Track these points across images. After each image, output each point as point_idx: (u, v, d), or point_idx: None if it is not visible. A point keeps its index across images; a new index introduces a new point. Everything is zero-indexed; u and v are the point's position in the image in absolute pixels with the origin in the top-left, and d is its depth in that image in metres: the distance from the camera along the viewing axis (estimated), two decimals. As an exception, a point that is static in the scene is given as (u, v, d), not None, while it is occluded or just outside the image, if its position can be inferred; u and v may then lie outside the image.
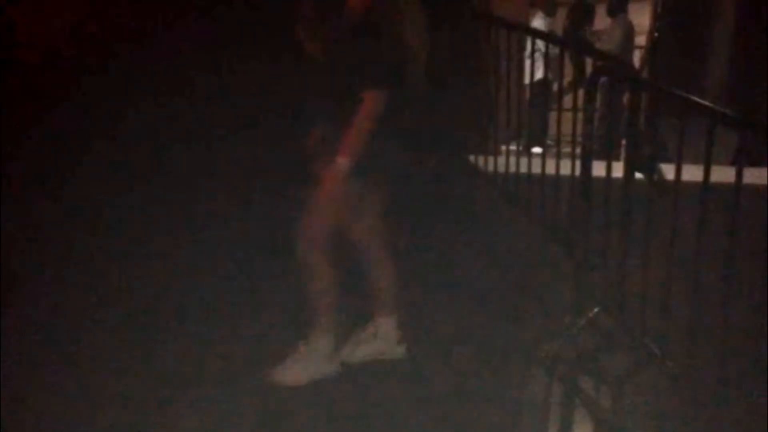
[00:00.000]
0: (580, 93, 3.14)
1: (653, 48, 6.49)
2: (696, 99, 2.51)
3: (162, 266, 3.54)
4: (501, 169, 4.02)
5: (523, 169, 3.79)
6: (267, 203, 3.64)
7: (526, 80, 5.80)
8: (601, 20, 7.58)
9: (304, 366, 2.83)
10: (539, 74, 5.59)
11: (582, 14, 9.01)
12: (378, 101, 2.59)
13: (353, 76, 2.62)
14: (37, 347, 2.88)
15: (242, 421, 2.55)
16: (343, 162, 2.60)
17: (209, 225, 3.83)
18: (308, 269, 2.76)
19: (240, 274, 3.52)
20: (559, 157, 3.55)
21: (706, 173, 2.37)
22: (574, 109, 3.33)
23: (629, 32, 6.88)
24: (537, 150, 4.66)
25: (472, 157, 4.31)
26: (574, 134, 3.24)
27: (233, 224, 3.81)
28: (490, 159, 4.13)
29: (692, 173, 2.49)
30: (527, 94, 6.00)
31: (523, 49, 4.41)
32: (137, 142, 4.12)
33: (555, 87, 5.53)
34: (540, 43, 4.33)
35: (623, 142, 3.64)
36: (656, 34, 6.86)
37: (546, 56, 4.21)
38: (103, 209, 3.88)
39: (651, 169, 3.00)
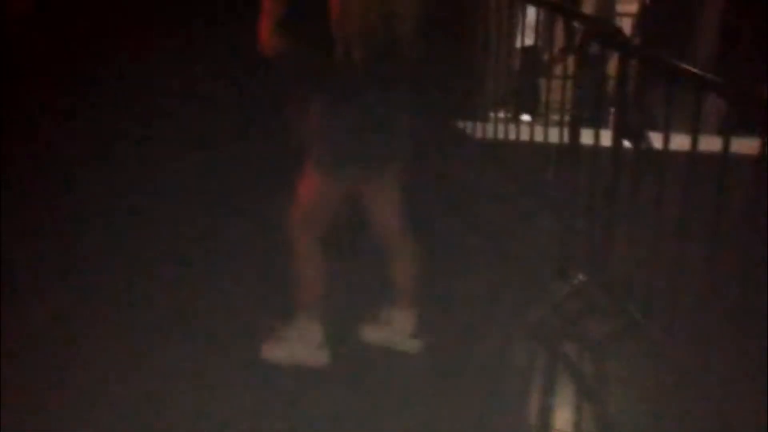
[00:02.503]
0: (570, 60, 3.13)
1: (643, 14, 6.44)
2: (684, 66, 2.49)
3: (162, 260, 3.47)
4: (489, 135, 4.01)
5: (512, 136, 3.78)
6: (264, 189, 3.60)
7: (517, 45, 5.76)
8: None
9: (289, 350, 2.78)
10: (529, 40, 5.55)
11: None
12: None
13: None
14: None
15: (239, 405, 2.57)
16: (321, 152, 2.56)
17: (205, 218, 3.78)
18: (297, 256, 2.71)
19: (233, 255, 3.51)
20: (547, 124, 3.54)
21: (694, 141, 2.37)
22: (564, 76, 3.32)
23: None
24: (526, 117, 4.65)
25: (460, 123, 4.30)
26: (563, 101, 3.24)
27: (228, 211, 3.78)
28: (479, 125, 4.12)
29: (680, 142, 2.49)
30: (517, 61, 5.95)
31: (513, 14, 4.36)
32: (127, 103, 4.09)
33: (545, 54, 5.49)
34: (531, 9, 4.29)
35: (611, 109, 3.63)
36: (647, 1, 6.81)
37: (536, 22, 4.17)
38: (100, 199, 3.84)
39: (638, 137, 2.99)
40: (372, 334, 2.89)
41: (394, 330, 2.86)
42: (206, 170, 4.02)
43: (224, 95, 4.16)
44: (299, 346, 2.77)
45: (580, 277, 2.92)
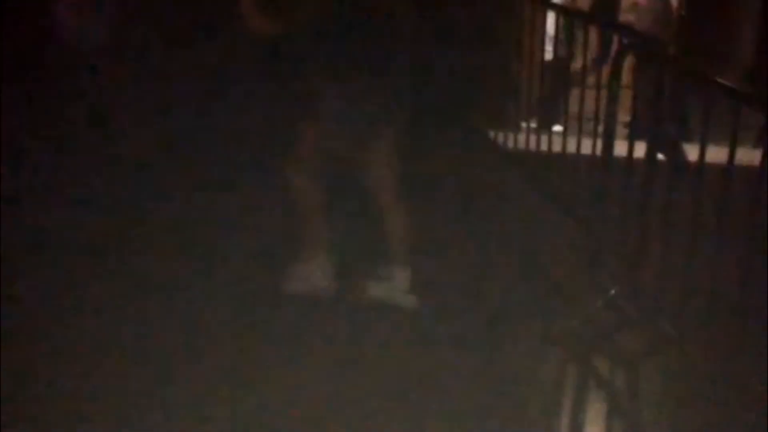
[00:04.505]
0: (604, 70, 3.09)
1: (681, 25, 6.39)
2: (720, 80, 2.44)
3: (164, 251, 3.51)
4: (520, 146, 3.98)
5: (543, 147, 3.75)
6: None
7: (548, 56, 5.72)
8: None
9: (301, 280, 3.03)
10: (562, 51, 5.51)
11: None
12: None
13: None
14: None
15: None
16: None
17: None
18: (296, 191, 2.98)
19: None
20: (580, 135, 3.50)
21: (731, 155, 2.32)
22: (598, 87, 3.28)
23: (668, 8, 6.74)
24: (558, 128, 4.61)
25: (491, 133, 4.28)
26: (596, 113, 3.20)
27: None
28: (510, 135, 4.10)
29: (716, 155, 2.45)
30: (549, 71, 5.92)
31: (545, 23, 4.33)
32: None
33: (578, 64, 5.45)
34: (563, 19, 4.26)
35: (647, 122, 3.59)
36: (683, 12, 6.75)
37: (570, 32, 4.14)
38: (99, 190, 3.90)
39: (674, 150, 2.96)
40: (371, 289, 3.06)
41: (393, 286, 3.03)
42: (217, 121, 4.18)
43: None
44: (308, 277, 3.04)
45: (613, 290, 2.88)
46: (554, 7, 4.49)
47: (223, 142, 4.13)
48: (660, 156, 2.91)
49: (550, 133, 3.92)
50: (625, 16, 7.72)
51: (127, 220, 3.66)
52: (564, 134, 3.57)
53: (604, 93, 3.06)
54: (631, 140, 2.89)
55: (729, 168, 2.34)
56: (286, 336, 2.88)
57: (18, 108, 4.03)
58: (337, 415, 2.44)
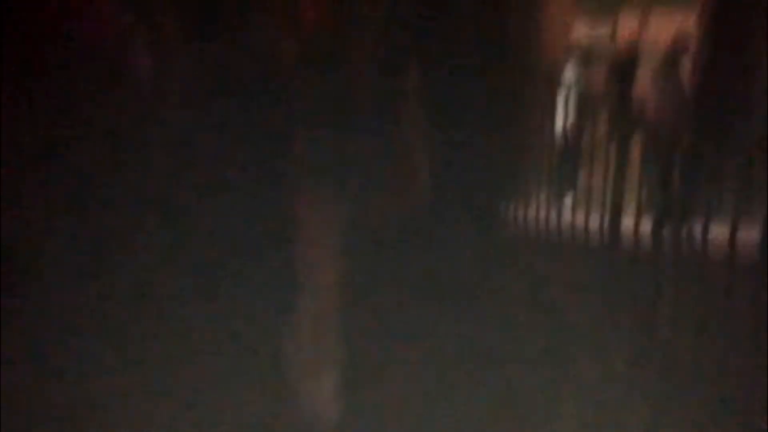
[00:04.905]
0: (612, 147, 3.20)
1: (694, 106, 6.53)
2: (727, 159, 2.53)
3: (168, 256, 3.50)
4: (531, 215, 4.08)
5: (553, 218, 3.85)
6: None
7: (558, 130, 5.85)
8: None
9: None
10: (570, 125, 5.64)
11: (623, 69, 9.07)
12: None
13: None
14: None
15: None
16: None
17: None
18: None
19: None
20: (588, 209, 3.59)
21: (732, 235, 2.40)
22: (606, 163, 3.38)
23: (681, 89, 6.92)
24: (566, 201, 4.70)
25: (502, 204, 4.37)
26: (604, 188, 3.29)
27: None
28: (521, 205, 4.19)
29: (722, 231, 2.52)
30: (557, 145, 6.04)
31: (555, 99, 4.46)
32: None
33: (587, 139, 5.57)
34: (573, 94, 4.40)
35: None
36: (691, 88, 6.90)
37: (579, 108, 4.27)
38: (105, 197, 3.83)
39: (681, 223, 3.03)
40: None
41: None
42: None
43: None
44: None
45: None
46: (566, 84, 4.64)
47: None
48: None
49: (560, 205, 4.01)
50: (639, 93, 7.91)
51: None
52: (573, 207, 3.66)
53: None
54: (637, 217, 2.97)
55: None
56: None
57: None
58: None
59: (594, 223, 3.44)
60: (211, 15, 3.90)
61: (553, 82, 4.41)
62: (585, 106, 4.33)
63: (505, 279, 3.90)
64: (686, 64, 6.74)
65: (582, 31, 4.34)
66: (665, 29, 6.59)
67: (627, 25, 6.59)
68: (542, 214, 3.97)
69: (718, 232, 2.53)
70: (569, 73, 6.84)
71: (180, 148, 3.93)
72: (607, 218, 3.25)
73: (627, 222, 3.12)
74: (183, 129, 3.91)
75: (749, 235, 2.45)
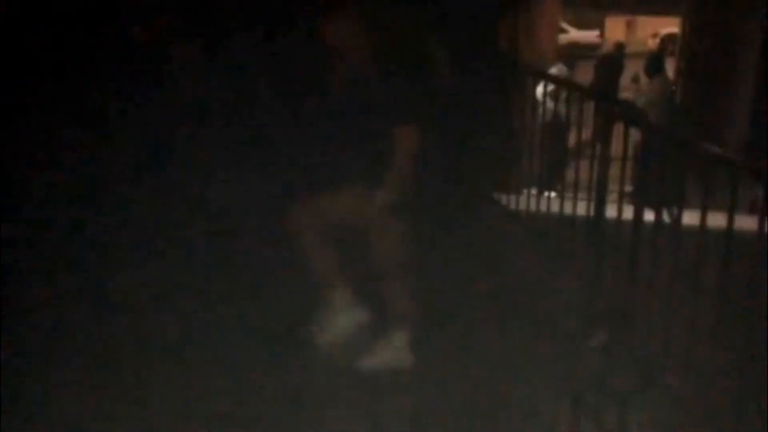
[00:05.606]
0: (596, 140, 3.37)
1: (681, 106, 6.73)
2: (709, 149, 2.63)
3: (167, 261, 3.54)
4: (522, 207, 4.25)
5: (543, 209, 4.01)
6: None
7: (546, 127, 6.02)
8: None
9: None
10: (558, 123, 5.81)
11: (610, 69, 9.26)
12: (412, 136, 2.83)
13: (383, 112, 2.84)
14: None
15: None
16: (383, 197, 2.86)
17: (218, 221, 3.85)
18: (302, 252, 3.01)
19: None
20: (575, 201, 3.74)
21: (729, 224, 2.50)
22: (592, 156, 3.55)
23: (667, 90, 7.15)
24: (552, 194, 4.87)
25: (495, 194, 4.54)
26: (589, 180, 3.46)
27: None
28: (513, 198, 4.36)
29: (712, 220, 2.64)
30: (546, 142, 6.20)
31: (543, 95, 4.63)
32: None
33: (573, 134, 5.74)
34: (560, 90, 4.57)
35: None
36: (674, 88, 7.10)
37: (567, 106, 4.43)
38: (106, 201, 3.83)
39: (661, 211, 3.18)
40: (372, 359, 3.04)
41: (393, 351, 3.02)
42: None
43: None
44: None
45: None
46: (554, 80, 4.81)
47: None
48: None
49: (548, 197, 4.18)
50: (625, 94, 8.10)
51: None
52: (561, 199, 3.83)
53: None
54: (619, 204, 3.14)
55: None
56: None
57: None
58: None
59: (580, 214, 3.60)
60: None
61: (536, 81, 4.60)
62: (570, 104, 4.50)
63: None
64: (672, 65, 6.92)
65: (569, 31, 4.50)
66: (651, 31, 6.74)
67: (614, 26, 6.73)
68: (531, 206, 4.14)
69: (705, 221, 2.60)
70: (554, 71, 6.99)
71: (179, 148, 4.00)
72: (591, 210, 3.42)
73: (611, 213, 3.28)
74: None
75: (740, 226, 2.52)
